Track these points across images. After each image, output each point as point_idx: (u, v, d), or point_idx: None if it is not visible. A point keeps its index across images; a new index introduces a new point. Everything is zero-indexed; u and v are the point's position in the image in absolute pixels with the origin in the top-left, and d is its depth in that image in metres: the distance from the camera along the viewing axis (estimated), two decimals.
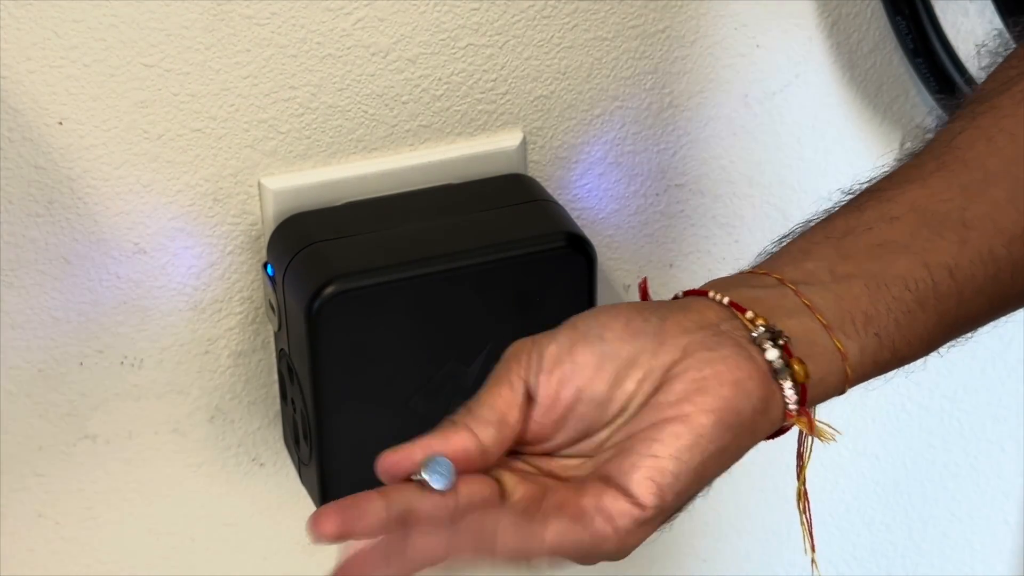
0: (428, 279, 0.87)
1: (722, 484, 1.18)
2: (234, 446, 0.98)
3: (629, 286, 1.04)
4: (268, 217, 0.91)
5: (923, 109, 1.08)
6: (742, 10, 0.99)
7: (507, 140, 0.96)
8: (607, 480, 0.66)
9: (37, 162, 0.86)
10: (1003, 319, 0.82)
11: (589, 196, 1.00)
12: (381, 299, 0.86)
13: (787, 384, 0.72)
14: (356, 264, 0.86)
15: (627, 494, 0.67)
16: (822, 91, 1.04)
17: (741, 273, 0.73)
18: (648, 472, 0.67)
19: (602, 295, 0.96)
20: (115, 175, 0.87)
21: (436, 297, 0.87)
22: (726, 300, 0.70)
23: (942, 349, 0.77)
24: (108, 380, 0.93)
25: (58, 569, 0.97)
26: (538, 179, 0.97)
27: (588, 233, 0.94)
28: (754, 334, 0.70)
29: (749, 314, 0.70)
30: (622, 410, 0.67)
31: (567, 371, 0.66)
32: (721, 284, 0.72)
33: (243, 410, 0.97)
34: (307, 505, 1.02)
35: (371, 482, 0.91)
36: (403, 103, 0.92)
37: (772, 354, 0.71)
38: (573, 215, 0.97)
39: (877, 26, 1.04)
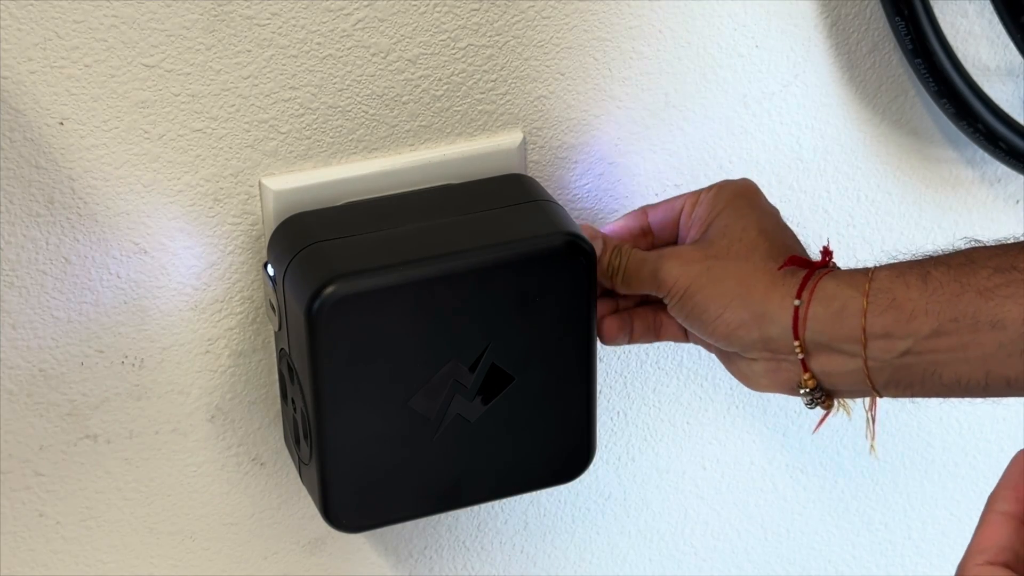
0: (428, 279, 0.87)
1: (721, 483, 1.18)
2: (234, 446, 0.98)
3: None
4: (268, 217, 0.91)
5: (922, 110, 1.08)
6: (741, 10, 0.99)
7: (507, 140, 0.96)
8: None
9: (38, 162, 0.86)
10: None
11: (589, 196, 1.00)
12: (381, 299, 0.86)
13: (804, 398, 0.90)
14: (356, 264, 0.86)
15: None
16: (821, 92, 1.04)
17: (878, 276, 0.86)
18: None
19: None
20: (116, 175, 0.88)
21: (436, 297, 0.87)
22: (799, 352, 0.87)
23: None
24: (109, 380, 0.93)
25: (58, 569, 0.97)
26: (538, 179, 0.97)
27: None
28: (802, 390, 0.89)
29: (807, 375, 0.87)
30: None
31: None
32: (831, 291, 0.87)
33: (243, 410, 0.97)
34: (307, 505, 1.02)
35: (372, 482, 0.91)
36: (403, 103, 0.92)
37: (805, 399, 0.89)
38: (573, 215, 0.97)
39: (876, 27, 1.04)
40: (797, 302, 0.87)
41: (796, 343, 0.87)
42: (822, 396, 0.89)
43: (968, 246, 0.85)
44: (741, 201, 0.93)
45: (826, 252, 0.90)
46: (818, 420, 0.93)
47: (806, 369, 0.88)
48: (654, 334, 0.95)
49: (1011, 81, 1.09)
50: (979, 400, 1.22)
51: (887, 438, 1.21)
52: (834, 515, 1.22)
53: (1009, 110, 1.05)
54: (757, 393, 1.14)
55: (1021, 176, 1.13)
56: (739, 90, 1.02)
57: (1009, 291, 0.80)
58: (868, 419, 0.92)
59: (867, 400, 0.91)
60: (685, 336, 0.95)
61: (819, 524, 1.22)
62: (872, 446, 0.95)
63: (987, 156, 1.08)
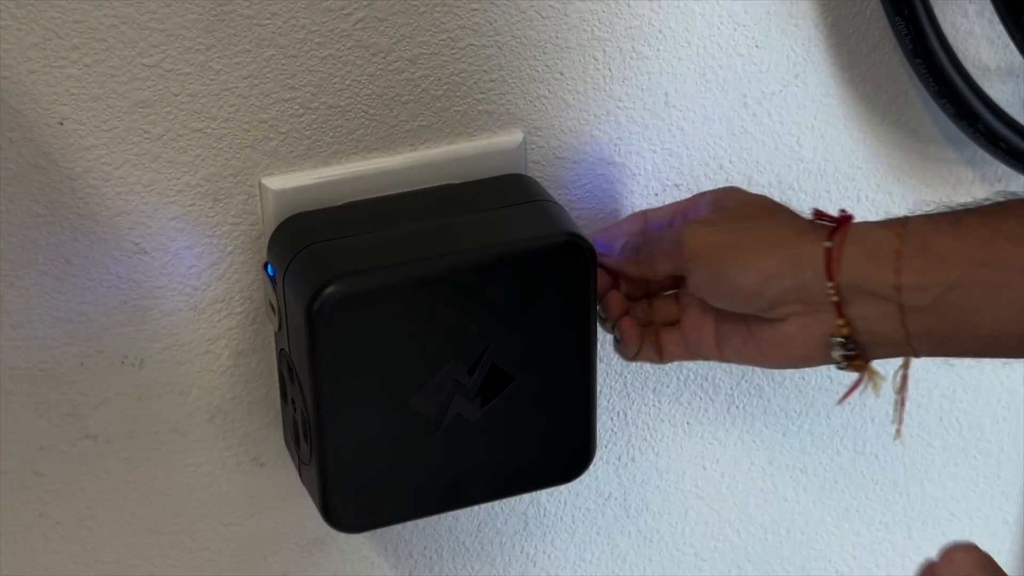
0: (428, 279, 0.87)
1: (721, 483, 1.18)
2: (234, 446, 0.98)
3: None
4: (268, 217, 0.91)
5: (922, 110, 1.08)
6: (741, 10, 0.99)
7: (507, 140, 0.96)
8: None
9: (38, 162, 0.86)
10: None
11: (589, 196, 1.00)
12: (381, 299, 0.86)
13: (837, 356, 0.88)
14: (356, 264, 0.86)
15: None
16: (821, 91, 1.04)
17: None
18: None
19: None
20: (116, 175, 0.88)
21: (436, 297, 0.87)
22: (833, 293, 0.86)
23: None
24: (109, 380, 0.93)
25: (58, 569, 0.97)
26: (538, 179, 0.97)
27: (588, 233, 0.94)
28: (835, 339, 0.86)
29: (841, 322, 0.86)
30: None
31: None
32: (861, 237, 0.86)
33: (243, 410, 0.97)
34: (307, 505, 1.02)
35: (372, 482, 0.91)
36: (403, 103, 0.93)
37: (837, 354, 0.87)
38: (573, 215, 0.97)
39: (876, 26, 1.04)
40: (829, 243, 0.86)
41: (830, 285, 0.85)
42: (855, 350, 0.87)
43: (1004, 198, 0.85)
44: (736, 191, 0.95)
45: (844, 213, 0.90)
46: (843, 394, 0.91)
47: (841, 315, 0.86)
48: (658, 355, 0.96)
49: (1011, 81, 1.09)
50: (979, 399, 1.22)
51: (887, 438, 1.21)
52: (834, 515, 1.22)
53: (1009, 110, 1.05)
54: (757, 393, 1.14)
55: (1021, 176, 1.13)
56: (739, 90, 1.02)
57: None
58: (897, 402, 0.91)
59: (898, 381, 0.91)
60: (688, 353, 0.95)
61: (819, 524, 1.22)
62: (899, 430, 0.94)
63: (987, 156, 1.08)
